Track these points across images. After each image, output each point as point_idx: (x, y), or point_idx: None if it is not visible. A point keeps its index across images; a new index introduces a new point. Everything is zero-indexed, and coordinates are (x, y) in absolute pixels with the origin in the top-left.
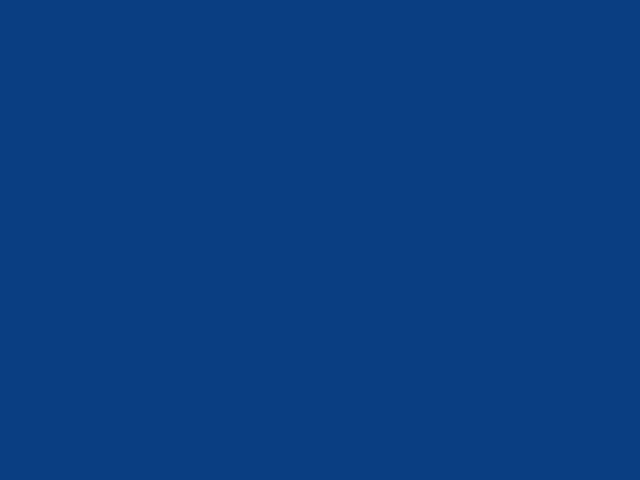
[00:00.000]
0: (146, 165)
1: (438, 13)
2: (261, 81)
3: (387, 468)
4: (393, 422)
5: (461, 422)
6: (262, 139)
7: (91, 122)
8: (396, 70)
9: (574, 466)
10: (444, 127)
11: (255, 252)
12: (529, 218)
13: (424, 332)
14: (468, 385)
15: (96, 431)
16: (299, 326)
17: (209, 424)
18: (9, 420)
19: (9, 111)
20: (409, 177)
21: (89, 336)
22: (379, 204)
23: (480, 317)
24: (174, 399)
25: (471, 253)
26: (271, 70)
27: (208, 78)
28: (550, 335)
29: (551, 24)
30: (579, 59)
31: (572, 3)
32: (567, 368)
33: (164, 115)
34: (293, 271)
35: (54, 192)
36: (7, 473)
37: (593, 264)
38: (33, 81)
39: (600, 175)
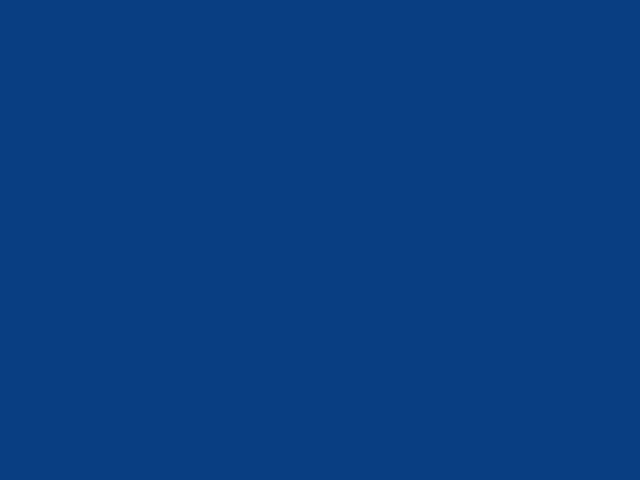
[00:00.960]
0: (146, 165)
1: (438, 13)
2: (261, 81)
3: (387, 468)
4: (394, 422)
5: (461, 422)
6: (262, 139)
7: (91, 122)
8: (396, 70)
9: (574, 466)
10: (444, 127)
11: (255, 252)
12: (529, 218)
13: (424, 332)
14: (468, 385)
15: (96, 431)
16: (299, 326)
17: (209, 424)
18: (9, 420)
19: (9, 111)
20: (409, 177)
21: (89, 336)
22: (379, 204)
23: (480, 317)
24: (174, 399)
25: (471, 253)
26: (271, 70)
27: (208, 78)
28: (550, 335)
29: (551, 24)
30: (579, 59)
31: (572, 3)
32: (567, 368)
33: (164, 115)
34: (293, 271)
35: (54, 192)
36: (7, 473)
37: (593, 264)
38: (33, 81)
39: (600, 175)
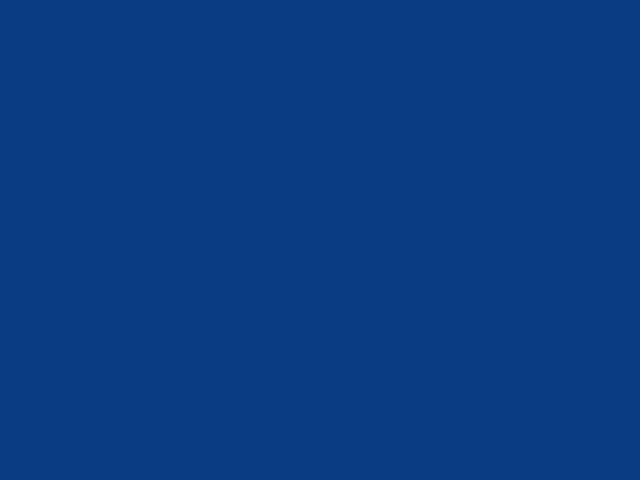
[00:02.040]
0: (146, 165)
1: (438, 13)
2: (261, 81)
3: (387, 468)
4: (394, 422)
5: (461, 422)
6: (262, 139)
7: (91, 122)
8: (396, 70)
9: (574, 466)
10: (444, 127)
11: (255, 252)
12: (529, 218)
13: (424, 332)
14: (468, 385)
15: (96, 431)
16: (299, 326)
17: (209, 424)
18: (9, 420)
19: (9, 111)
20: (409, 177)
21: (89, 336)
22: (379, 204)
23: (480, 317)
24: (174, 399)
25: (471, 253)
26: (271, 70)
27: (208, 78)
28: (550, 335)
29: (551, 24)
30: (579, 59)
31: (572, 3)
32: (567, 368)
33: (164, 115)
34: (293, 271)
35: (54, 192)
36: (7, 473)
37: (593, 264)
38: (33, 81)
39: (600, 175)
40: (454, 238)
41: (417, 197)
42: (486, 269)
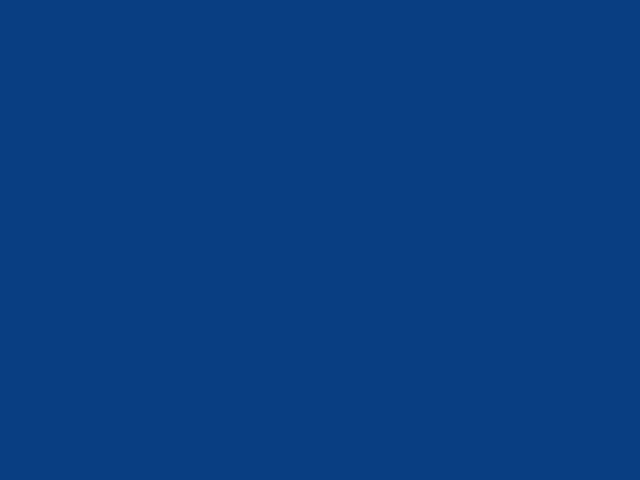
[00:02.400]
0: (146, 165)
1: (438, 13)
2: (261, 81)
3: (387, 468)
4: (393, 422)
5: (461, 422)
6: (262, 139)
7: (91, 122)
8: (396, 70)
9: (574, 466)
10: (444, 127)
11: (255, 252)
12: (529, 218)
13: (424, 332)
14: (468, 385)
15: (96, 431)
16: (299, 326)
17: (209, 424)
18: (9, 420)
19: (9, 111)
20: (409, 177)
21: (89, 336)
22: (379, 204)
23: (480, 317)
24: (174, 399)
25: (471, 253)
26: (271, 70)
27: (208, 78)
28: (550, 335)
29: (551, 24)
30: (579, 59)
31: (572, 3)
32: (567, 368)
33: (164, 115)
34: (293, 271)
35: (54, 192)
36: (7, 473)
37: (593, 264)
38: (33, 81)
39: (600, 175)
40: (454, 238)
41: (417, 197)
42: (486, 269)
